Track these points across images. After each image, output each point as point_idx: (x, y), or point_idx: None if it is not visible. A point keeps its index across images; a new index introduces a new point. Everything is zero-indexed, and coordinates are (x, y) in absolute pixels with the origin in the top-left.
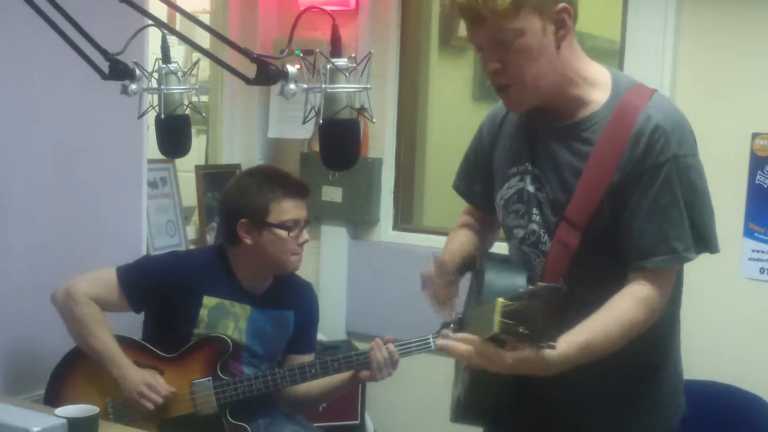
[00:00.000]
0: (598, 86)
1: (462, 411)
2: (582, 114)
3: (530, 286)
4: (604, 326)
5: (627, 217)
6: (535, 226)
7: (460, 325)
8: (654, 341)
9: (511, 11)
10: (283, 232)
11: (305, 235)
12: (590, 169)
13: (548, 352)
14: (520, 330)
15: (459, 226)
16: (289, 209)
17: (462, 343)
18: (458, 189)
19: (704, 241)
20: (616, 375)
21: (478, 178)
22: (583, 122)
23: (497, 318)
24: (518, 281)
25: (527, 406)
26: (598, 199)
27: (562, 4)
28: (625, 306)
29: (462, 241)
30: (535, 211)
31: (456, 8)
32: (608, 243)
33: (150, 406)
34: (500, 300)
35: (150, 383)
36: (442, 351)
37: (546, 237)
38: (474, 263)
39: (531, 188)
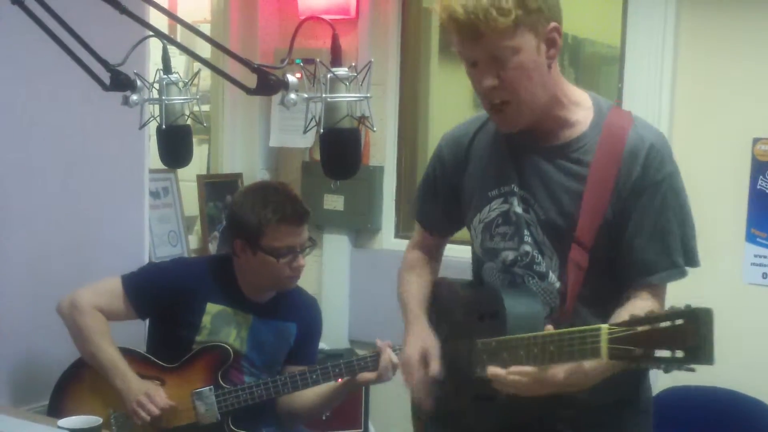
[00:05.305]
0: (581, 107)
1: None
2: (567, 135)
3: (665, 310)
4: None
5: (630, 234)
6: (527, 248)
7: (485, 356)
8: None
9: (510, 29)
10: (273, 259)
11: (300, 260)
12: (590, 189)
13: (588, 364)
14: (636, 353)
15: (408, 268)
16: (281, 236)
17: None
18: (417, 215)
19: (691, 255)
20: (602, 387)
21: (439, 203)
22: (572, 143)
23: (605, 345)
24: (536, 307)
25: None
26: (601, 218)
27: (553, 24)
28: None
29: (420, 291)
30: (526, 232)
31: (453, 24)
32: (608, 262)
33: (146, 417)
34: (605, 327)
35: (149, 393)
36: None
37: (540, 258)
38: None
39: (519, 209)
